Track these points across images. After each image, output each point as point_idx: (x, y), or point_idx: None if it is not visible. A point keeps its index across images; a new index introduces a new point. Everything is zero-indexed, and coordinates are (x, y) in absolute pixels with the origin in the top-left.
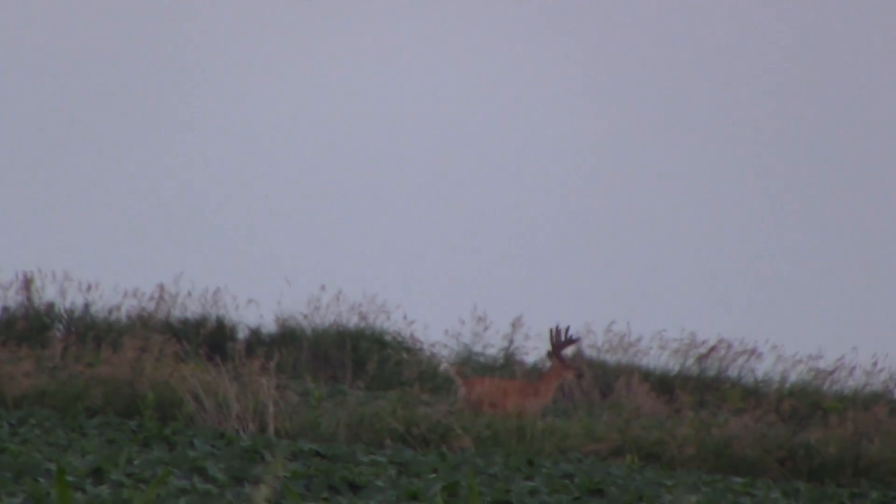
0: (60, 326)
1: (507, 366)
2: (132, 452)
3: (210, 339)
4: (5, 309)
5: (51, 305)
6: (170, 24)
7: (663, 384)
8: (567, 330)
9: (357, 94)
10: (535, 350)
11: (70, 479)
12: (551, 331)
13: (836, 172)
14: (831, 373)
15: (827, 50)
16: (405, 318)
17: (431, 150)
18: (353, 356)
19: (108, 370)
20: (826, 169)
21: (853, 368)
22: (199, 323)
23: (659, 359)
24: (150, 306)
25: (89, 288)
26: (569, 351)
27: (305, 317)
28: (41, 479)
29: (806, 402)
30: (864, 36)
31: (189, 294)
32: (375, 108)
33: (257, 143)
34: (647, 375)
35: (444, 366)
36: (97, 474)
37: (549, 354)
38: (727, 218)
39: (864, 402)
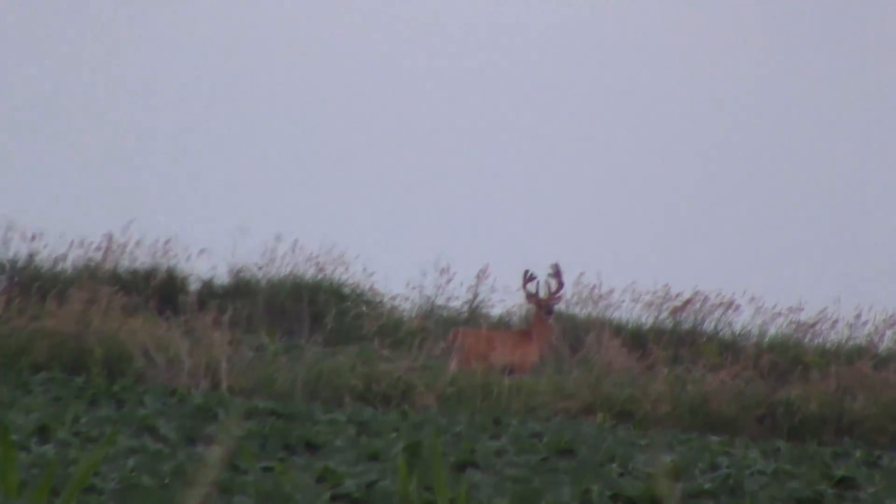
0: (3, 277)
1: (472, 319)
2: (79, 410)
3: (160, 290)
4: None
5: None
6: None
7: (636, 339)
8: (556, 268)
9: (313, 30)
10: (501, 302)
11: (14, 437)
12: (526, 273)
13: (814, 116)
14: (813, 325)
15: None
16: (365, 269)
17: (393, 91)
18: (310, 309)
19: (53, 323)
20: (804, 111)
21: (836, 321)
22: (149, 274)
23: (631, 312)
24: (98, 256)
25: (34, 237)
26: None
27: (260, 268)
28: None
29: (786, 357)
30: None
31: (138, 243)
32: (336, 47)
33: (210, 86)
34: (618, 329)
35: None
36: (42, 433)
37: (528, 297)
38: (700, 163)
39: (848, 357)
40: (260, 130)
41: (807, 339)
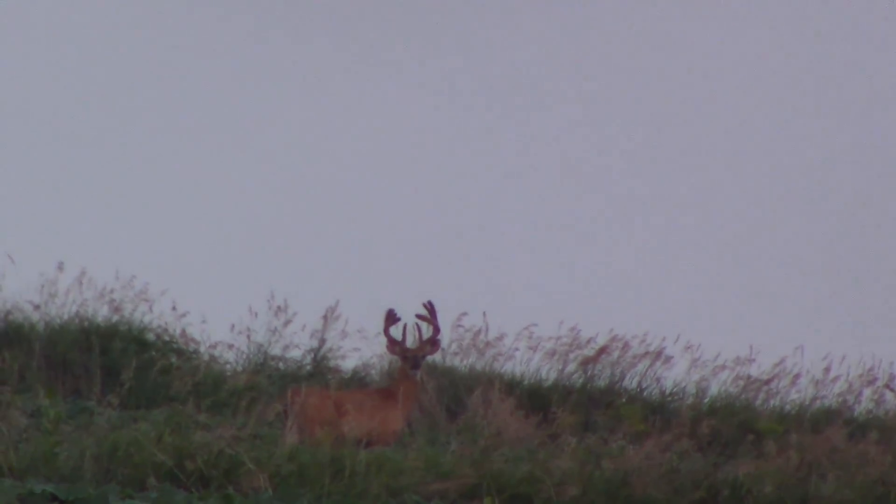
0: None
1: (317, 374)
2: None
3: None
4: None
5: None
6: None
7: (535, 399)
8: (430, 307)
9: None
10: (355, 352)
11: None
12: (389, 314)
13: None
14: (767, 382)
15: None
16: (175, 308)
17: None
18: (102, 361)
19: None
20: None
21: (797, 376)
22: None
23: (528, 364)
24: None
25: None
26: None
27: (36, 307)
28: None
29: (732, 424)
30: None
31: None
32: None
33: None
34: (511, 386)
35: None
36: None
37: (391, 346)
38: (618, 164)
39: (813, 423)
40: (35, 135)
41: (759, 401)
